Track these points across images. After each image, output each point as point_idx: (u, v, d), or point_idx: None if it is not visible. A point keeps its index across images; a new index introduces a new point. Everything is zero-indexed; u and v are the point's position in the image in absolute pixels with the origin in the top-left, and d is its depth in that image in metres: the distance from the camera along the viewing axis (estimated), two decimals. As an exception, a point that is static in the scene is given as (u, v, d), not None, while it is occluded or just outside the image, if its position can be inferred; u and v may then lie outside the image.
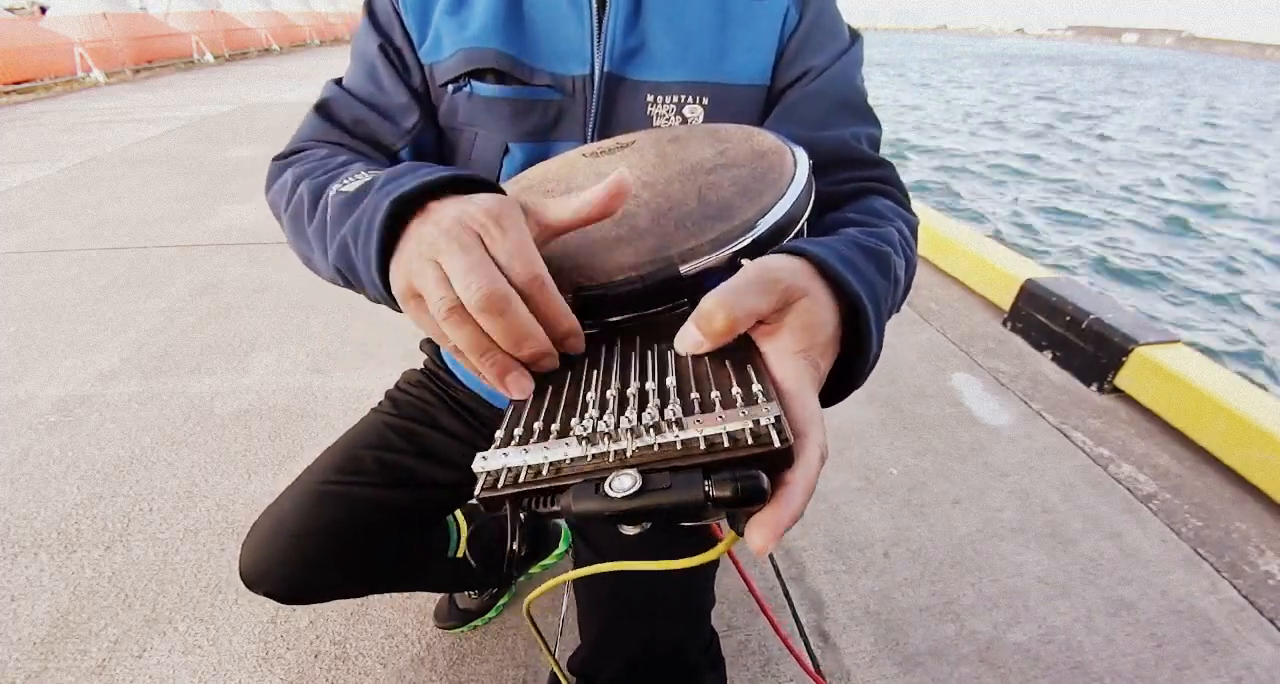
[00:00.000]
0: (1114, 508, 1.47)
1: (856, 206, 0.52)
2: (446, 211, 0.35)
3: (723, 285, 0.31)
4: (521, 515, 0.29)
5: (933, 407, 1.84)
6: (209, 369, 1.91)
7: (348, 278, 0.44)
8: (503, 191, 0.39)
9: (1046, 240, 5.14)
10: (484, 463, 0.30)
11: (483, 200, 0.35)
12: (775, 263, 0.33)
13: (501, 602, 1.17)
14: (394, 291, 0.37)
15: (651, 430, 0.28)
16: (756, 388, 0.29)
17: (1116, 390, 1.91)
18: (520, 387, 0.34)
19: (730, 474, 0.25)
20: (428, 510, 0.80)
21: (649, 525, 0.27)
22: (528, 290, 0.33)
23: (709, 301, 0.31)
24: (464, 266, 0.32)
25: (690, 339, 0.32)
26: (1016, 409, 1.84)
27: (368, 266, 0.38)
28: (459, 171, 0.39)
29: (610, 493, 0.26)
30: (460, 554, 0.99)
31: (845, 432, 1.70)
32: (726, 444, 0.27)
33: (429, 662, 1.08)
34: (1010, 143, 9.27)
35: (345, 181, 0.44)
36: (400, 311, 0.38)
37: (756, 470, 0.25)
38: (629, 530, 0.28)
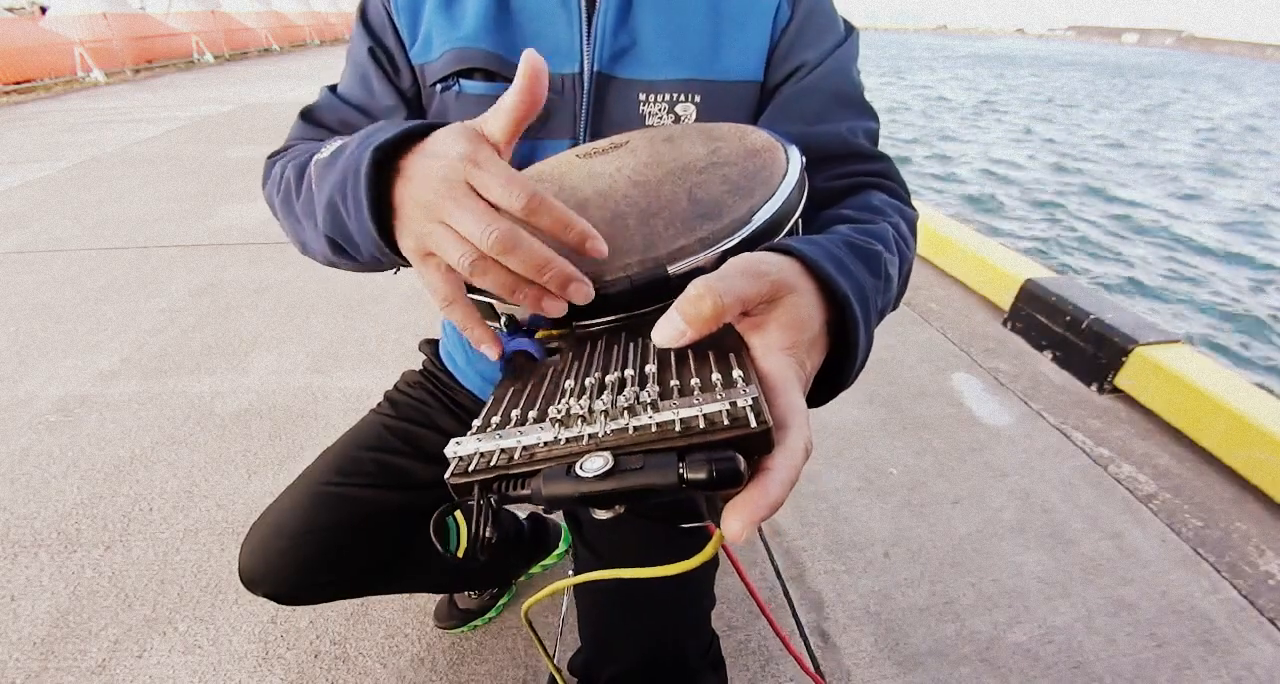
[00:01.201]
0: (1114, 508, 1.47)
1: (853, 202, 0.52)
2: (430, 172, 0.37)
3: (710, 274, 0.31)
4: (492, 499, 0.29)
5: (933, 407, 1.83)
6: (209, 369, 1.91)
7: (340, 243, 0.45)
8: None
9: (1045, 240, 5.14)
10: (457, 448, 0.30)
11: (448, 147, 0.37)
12: (763, 257, 0.33)
13: (501, 602, 1.17)
14: (406, 252, 0.39)
15: (626, 413, 0.28)
16: (736, 373, 0.28)
17: (1116, 390, 1.90)
18: (557, 307, 0.36)
19: (705, 456, 0.24)
20: (427, 511, 0.80)
21: (622, 509, 0.27)
22: (530, 208, 0.35)
23: (696, 286, 0.29)
24: (471, 220, 0.34)
25: (672, 328, 0.30)
26: (1016, 409, 1.84)
27: (359, 210, 0.39)
28: (434, 122, 0.41)
29: (581, 473, 0.25)
30: (460, 554, 0.99)
31: (845, 432, 1.70)
32: (702, 426, 0.26)
33: (429, 662, 1.08)
34: (1002, 145, 9.26)
35: (322, 151, 0.46)
36: (396, 268, 0.43)
37: (732, 452, 0.24)
38: (602, 515, 0.27)
